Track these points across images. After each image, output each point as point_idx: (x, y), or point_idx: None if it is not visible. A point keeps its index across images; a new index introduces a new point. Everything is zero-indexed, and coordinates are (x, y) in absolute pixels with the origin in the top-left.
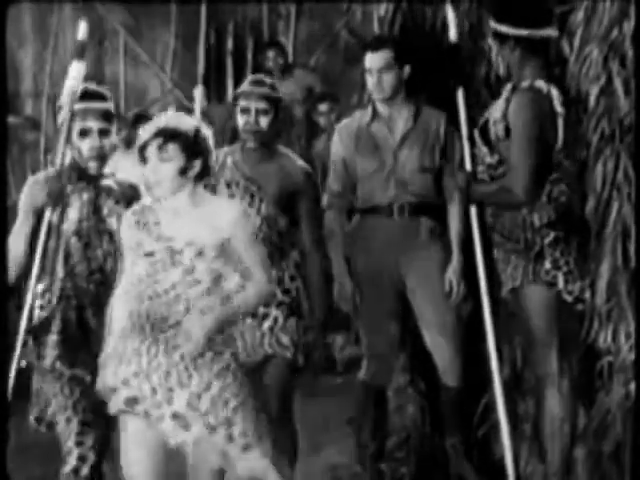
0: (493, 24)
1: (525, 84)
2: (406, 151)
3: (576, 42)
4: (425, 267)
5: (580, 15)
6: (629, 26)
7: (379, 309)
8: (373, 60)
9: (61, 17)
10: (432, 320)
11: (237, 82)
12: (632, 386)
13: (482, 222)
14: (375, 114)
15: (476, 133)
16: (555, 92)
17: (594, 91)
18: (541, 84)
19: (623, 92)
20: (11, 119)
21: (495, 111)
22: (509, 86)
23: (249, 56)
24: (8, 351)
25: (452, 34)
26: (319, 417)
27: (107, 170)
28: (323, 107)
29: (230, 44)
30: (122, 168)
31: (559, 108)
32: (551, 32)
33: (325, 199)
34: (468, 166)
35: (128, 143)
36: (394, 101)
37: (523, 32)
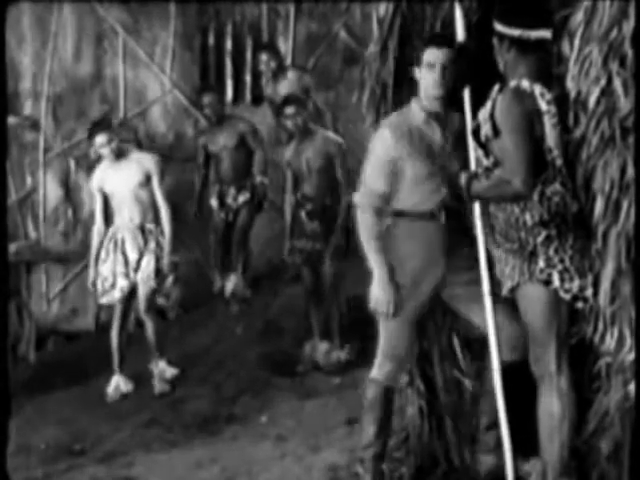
0: (494, 23)
1: (512, 84)
2: (456, 154)
3: (576, 43)
4: (469, 264)
5: (580, 16)
6: (629, 26)
7: (410, 313)
8: (439, 55)
9: (60, 17)
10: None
11: (236, 82)
12: (631, 387)
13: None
14: (427, 114)
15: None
16: (539, 91)
17: (594, 92)
18: (525, 84)
19: (623, 92)
20: (10, 119)
21: (484, 112)
22: (496, 87)
23: (248, 56)
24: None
25: (459, 34)
26: (319, 417)
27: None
28: (289, 110)
29: (229, 44)
30: (110, 178)
31: (544, 106)
32: (544, 34)
33: (363, 199)
34: (472, 166)
35: (117, 154)
36: (443, 101)
37: (515, 32)
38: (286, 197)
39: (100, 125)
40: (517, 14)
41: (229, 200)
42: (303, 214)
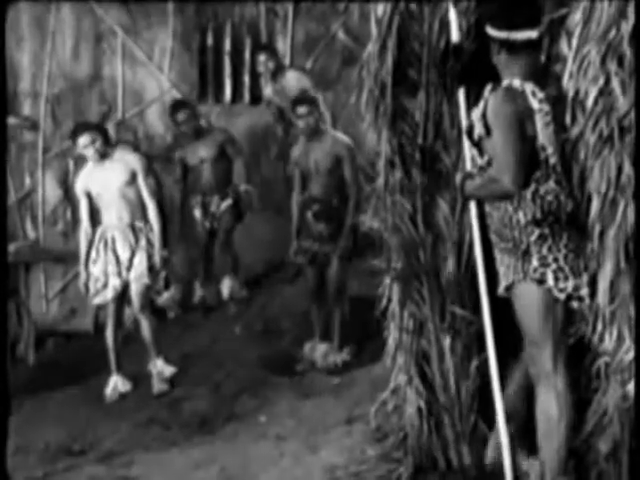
0: (485, 26)
1: (504, 84)
2: None
3: (574, 42)
4: None
5: (578, 15)
6: (627, 26)
7: None
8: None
9: (59, 17)
10: None
11: (235, 82)
12: (630, 386)
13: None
14: None
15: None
16: (530, 89)
17: (592, 91)
18: (517, 83)
19: (621, 92)
20: (9, 119)
21: (477, 112)
22: (489, 86)
23: (246, 56)
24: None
25: (454, 35)
26: (318, 417)
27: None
28: (302, 109)
29: (227, 45)
30: (96, 179)
31: (536, 105)
32: (530, 34)
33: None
34: (468, 165)
35: (102, 155)
36: None
37: (502, 34)
38: (293, 196)
39: (83, 126)
40: (502, 17)
41: (212, 208)
42: (310, 215)
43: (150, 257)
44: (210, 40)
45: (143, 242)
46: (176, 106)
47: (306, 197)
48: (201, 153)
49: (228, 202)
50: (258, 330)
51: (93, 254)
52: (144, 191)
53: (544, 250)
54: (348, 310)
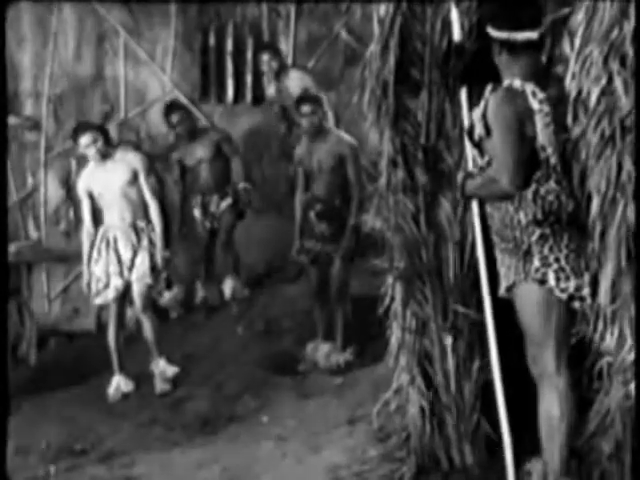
0: (486, 26)
1: (504, 84)
2: None
3: (577, 42)
4: None
5: (580, 15)
6: (629, 26)
7: None
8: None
9: (61, 17)
10: None
11: (237, 82)
12: (632, 386)
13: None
14: None
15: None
16: (530, 89)
17: (595, 91)
18: (517, 83)
19: (623, 92)
20: (11, 119)
21: (477, 112)
22: (489, 87)
23: (249, 56)
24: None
25: (455, 34)
26: (320, 417)
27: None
28: (306, 108)
29: (230, 44)
30: (98, 180)
31: (536, 105)
32: (530, 35)
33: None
34: (470, 164)
35: (103, 155)
36: None
37: (503, 35)
38: (296, 195)
39: (84, 125)
40: (503, 17)
41: (212, 208)
42: (312, 214)
43: (152, 257)
44: (212, 40)
45: (145, 242)
46: (170, 108)
47: (309, 197)
48: (198, 153)
49: (228, 201)
50: (260, 330)
51: (95, 254)
52: (146, 191)
53: (545, 250)
54: (350, 310)
